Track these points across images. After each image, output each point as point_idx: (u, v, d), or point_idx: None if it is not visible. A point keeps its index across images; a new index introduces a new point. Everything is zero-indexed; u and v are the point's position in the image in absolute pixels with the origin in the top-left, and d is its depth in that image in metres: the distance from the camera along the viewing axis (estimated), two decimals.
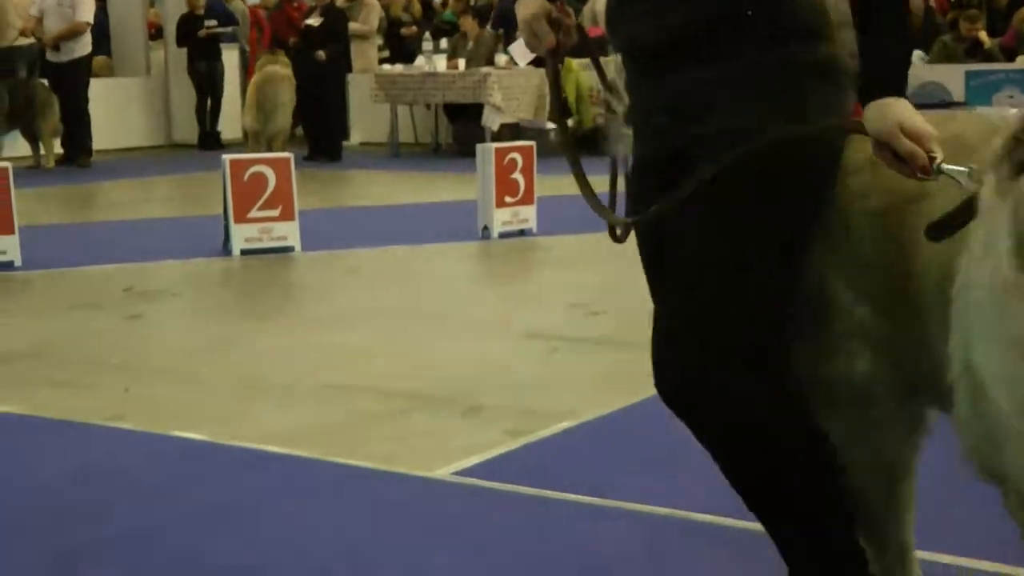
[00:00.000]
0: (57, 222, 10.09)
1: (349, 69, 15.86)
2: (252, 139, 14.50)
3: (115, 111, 16.10)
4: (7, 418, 4.77)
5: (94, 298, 7.04)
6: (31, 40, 14.96)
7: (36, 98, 14.04)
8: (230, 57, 17.02)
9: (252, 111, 14.46)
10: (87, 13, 14.58)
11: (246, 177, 8.14)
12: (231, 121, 16.31)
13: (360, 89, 16.00)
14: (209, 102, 16.53)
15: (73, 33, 14.41)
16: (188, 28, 16.35)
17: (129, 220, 10.42)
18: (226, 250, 8.19)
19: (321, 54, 14.58)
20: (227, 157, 8.28)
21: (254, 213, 8.14)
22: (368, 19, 16.72)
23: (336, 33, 15.10)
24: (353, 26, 16.16)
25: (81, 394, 5.07)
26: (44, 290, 7.44)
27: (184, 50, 16.44)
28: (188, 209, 11.15)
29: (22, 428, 4.67)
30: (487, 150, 8.92)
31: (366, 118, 16.32)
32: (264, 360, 5.64)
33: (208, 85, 16.43)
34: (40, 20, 14.62)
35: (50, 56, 14.56)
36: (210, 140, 16.35)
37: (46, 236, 8.86)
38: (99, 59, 16.53)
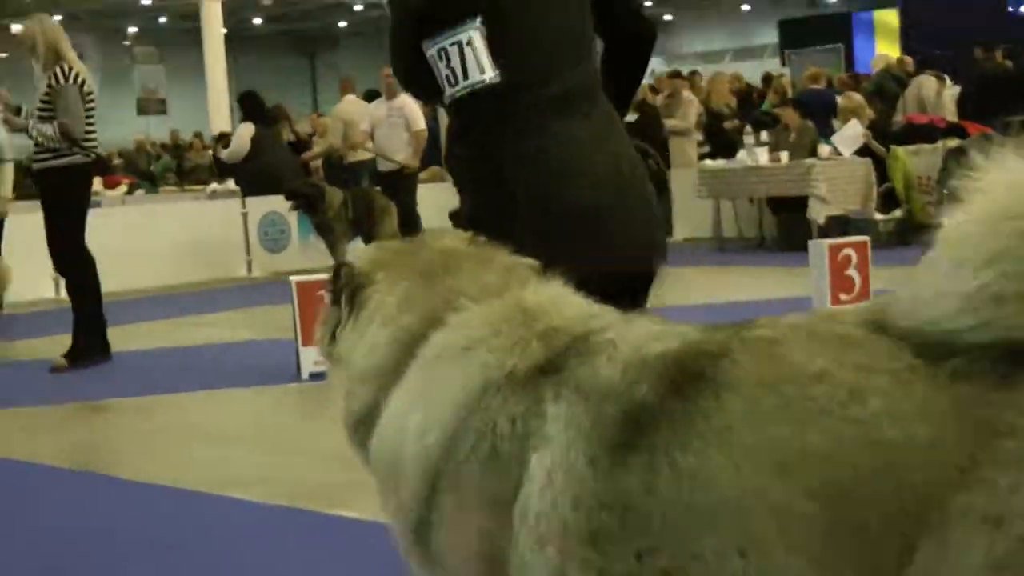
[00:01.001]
0: None
1: (668, 165, 15.95)
2: None
3: (443, 213, 16.65)
4: (374, 526, 4.92)
5: None
6: (370, 154, 15.85)
7: (375, 205, 14.75)
8: None
9: None
10: (420, 122, 15.24)
11: None
12: None
13: (681, 184, 16.04)
14: None
15: (419, 146, 15.01)
16: None
17: None
18: None
19: (653, 164, 14.80)
20: None
21: None
22: (687, 115, 16.83)
23: (651, 130, 15.25)
24: (671, 122, 16.29)
25: None
26: None
27: None
28: None
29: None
30: (820, 247, 8.76)
31: (688, 213, 16.34)
32: None
33: None
34: (372, 134, 15.41)
35: (380, 166, 15.30)
36: None
37: None
38: (432, 169, 17.25)
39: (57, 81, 8.85)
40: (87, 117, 8.94)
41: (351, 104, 16.68)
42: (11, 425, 7.64)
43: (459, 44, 2.83)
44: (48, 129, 8.78)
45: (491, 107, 2.87)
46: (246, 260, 15.73)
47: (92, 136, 9.03)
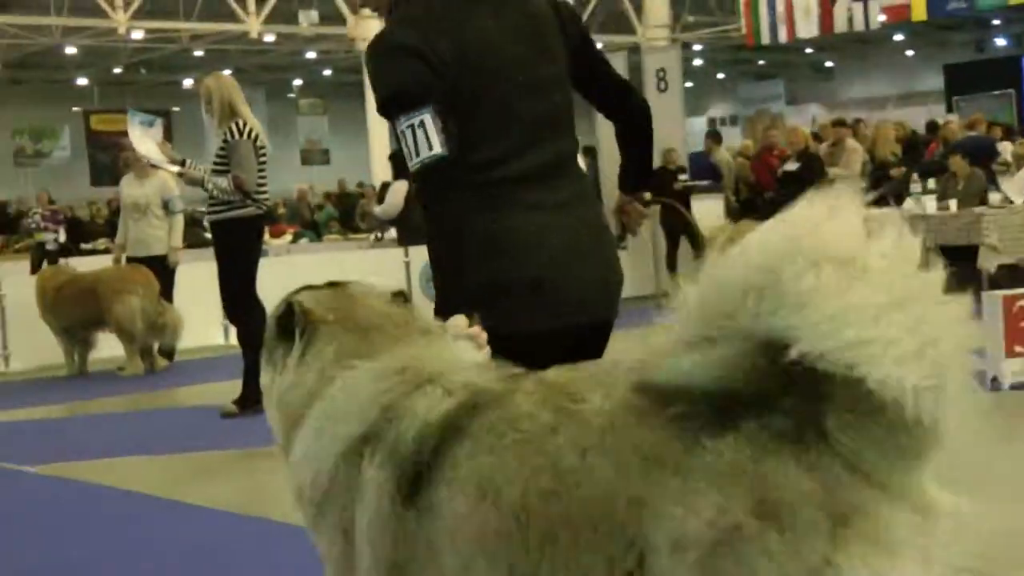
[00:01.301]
0: None
1: None
2: None
3: None
4: None
5: None
6: None
7: None
8: (713, 207, 17.31)
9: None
10: None
11: None
12: None
13: None
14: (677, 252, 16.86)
15: None
16: (661, 182, 16.78)
17: None
18: None
19: None
20: None
21: None
22: (850, 163, 16.56)
23: (812, 178, 15.06)
24: (834, 171, 16.04)
25: None
26: None
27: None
28: None
29: None
30: (994, 298, 8.52)
31: None
32: None
33: (679, 236, 16.71)
34: None
35: None
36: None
37: None
38: None
39: (232, 136, 9.11)
40: (259, 170, 9.18)
41: None
42: (182, 469, 7.83)
43: (413, 126, 3.26)
44: (223, 182, 9.03)
45: (443, 180, 3.28)
46: None
47: (264, 189, 9.26)
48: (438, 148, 3.24)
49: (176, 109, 39.24)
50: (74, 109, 41.61)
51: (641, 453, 2.10)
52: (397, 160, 16.62)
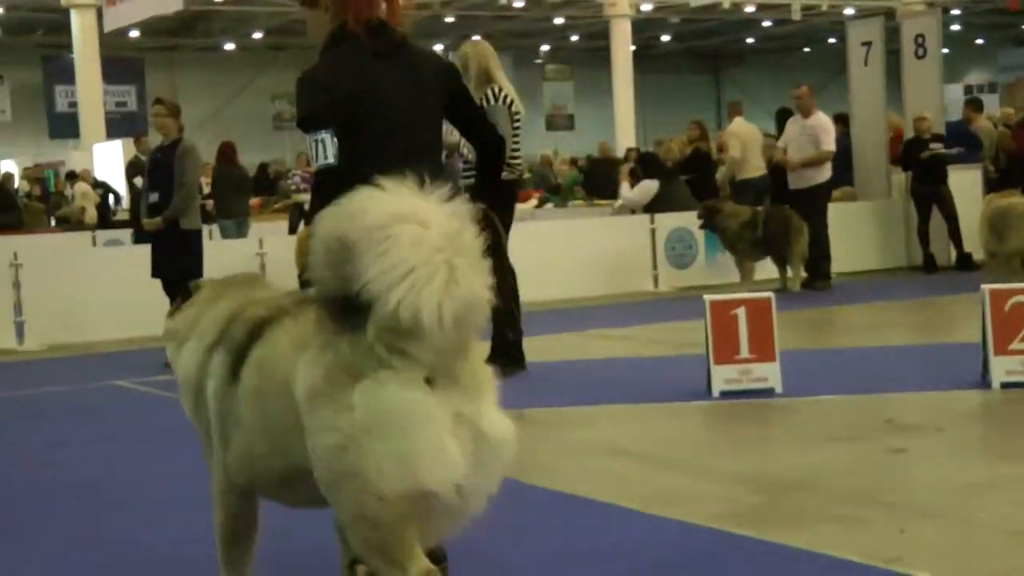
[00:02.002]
0: (807, 347, 10.30)
1: None
2: (989, 258, 14.41)
3: (853, 234, 16.31)
4: (791, 552, 4.85)
5: (854, 429, 7.08)
6: (763, 172, 15.88)
7: (790, 225, 14.60)
8: (971, 177, 16.69)
9: (985, 232, 14.40)
10: (829, 143, 15.04)
11: (1007, 307, 7.86)
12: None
13: None
14: (933, 225, 16.27)
15: (817, 162, 14.92)
16: (912, 151, 16.22)
17: (877, 347, 10.43)
18: (985, 382, 7.92)
19: None
20: (986, 287, 8.04)
21: (1016, 345, 7.83)
22: None
23: None
24: None
25: (856, 531, 5.07)
26: (804, 418, 7.57)
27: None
28: (932, 336, 10.98)
29: (805, 564, 4.72)
30: None
31: None
32: None
33: (933, 208, 16.11)
34: (785, 151, 15.34)
35: (792, 184, 15.15)
36: (930, 263, 16.07)
37: (800, 362, 8.99)
38: (846, 189, 16.93)
39: (488, 101, 9.25)
40: (513, 137, 9.30)
41: (741, 126, 17.02)
42: None
43: (317, 141, 4.65)
44: None
45: (331, 183, 4.42)
46: (652, 275, 15.92)
47: (517, 155, 9.38)
48: (331, 159, 4.62)
49: None
50: None
51: (300, 354, 3.49)
52: (648, 160, 18.00)
